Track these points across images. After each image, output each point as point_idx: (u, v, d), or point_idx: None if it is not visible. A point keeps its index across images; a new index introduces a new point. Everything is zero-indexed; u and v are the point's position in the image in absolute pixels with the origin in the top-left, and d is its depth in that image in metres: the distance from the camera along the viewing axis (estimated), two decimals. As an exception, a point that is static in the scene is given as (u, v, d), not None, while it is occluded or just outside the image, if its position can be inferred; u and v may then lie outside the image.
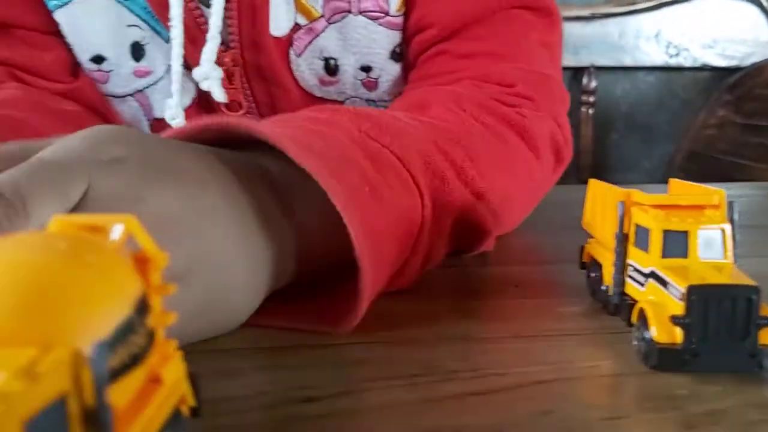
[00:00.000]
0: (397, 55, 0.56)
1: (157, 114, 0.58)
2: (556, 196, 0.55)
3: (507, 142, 0.47)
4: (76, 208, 0.29)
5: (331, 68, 0.56)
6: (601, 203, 0.38)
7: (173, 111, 0.53)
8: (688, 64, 1.53)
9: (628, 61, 1.51)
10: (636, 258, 0.33)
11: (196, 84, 0.54)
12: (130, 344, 0.18)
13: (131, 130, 0.33)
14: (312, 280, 0.37)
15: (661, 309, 0.30)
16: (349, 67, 0.56)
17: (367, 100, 0.57)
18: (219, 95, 0.53)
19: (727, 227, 0.32)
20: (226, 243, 0.32)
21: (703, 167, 1.50)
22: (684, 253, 0.32)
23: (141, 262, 0.20)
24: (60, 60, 0.56)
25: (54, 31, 0.56)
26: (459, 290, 0.42)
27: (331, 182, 0.32)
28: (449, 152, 0.42)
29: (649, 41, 1.51)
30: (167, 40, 0.54)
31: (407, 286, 0.39)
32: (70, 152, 0.30)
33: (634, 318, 0.32)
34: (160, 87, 0.57)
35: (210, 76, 0.52)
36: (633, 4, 1.50)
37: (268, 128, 0.34)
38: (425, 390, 0.29)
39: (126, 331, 0.17)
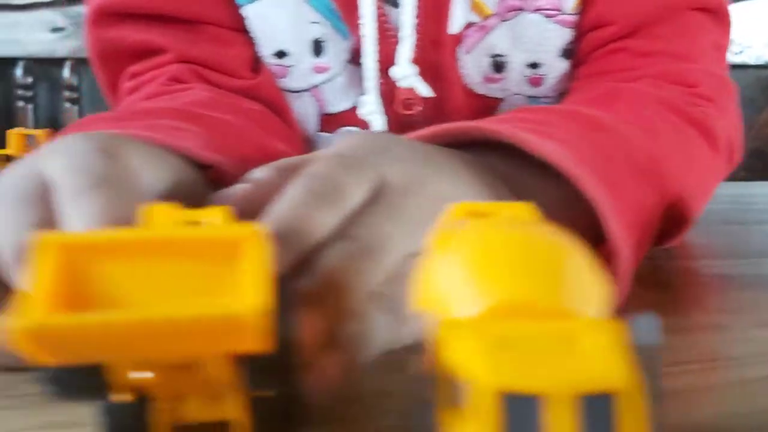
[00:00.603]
0: (566, 53, 0.57)
1: (330, 110, 0.60)
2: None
3: (692, 140, 0.49)
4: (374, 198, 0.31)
5: (499, 65, 0.57)
6: None
7: (370, 107, 0.55)
8: (751, 61, 1.54)
9: (692, 59, 1.52)
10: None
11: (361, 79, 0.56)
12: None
13: (385, 134, 0.36)
14: None
15: None
16: (516, 64, 0.57)
17: (529, 97, 0.59)
18: (425, 91, 0.55)
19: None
20: None
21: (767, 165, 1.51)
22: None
23: None
24: (243, 56, 0.58)
25: (239, 28, 0.57)
26: (663, 282, 0.44)
27: (593, 184, 0.34)
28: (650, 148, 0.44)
29: (714, 39, 1.52)
30: (346, 38, 0.56)
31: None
32: (358, 151, 0.32)
33: None
34: (335, 83, 0.58)
35: (409, 74, 0.54)
36: (698, 2, 1.50)
37: (509, 131, 0.37)
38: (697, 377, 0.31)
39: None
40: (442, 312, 0.18)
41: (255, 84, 0.57)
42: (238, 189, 0.34)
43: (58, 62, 1.50)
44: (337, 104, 0.59)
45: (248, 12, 0.57)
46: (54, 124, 1.53)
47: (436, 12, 0.55)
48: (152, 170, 0.33)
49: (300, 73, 0.59)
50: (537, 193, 0.35)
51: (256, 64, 0.59)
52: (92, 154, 0.30)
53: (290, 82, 0.59)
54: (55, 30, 1.49)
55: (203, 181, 0.38)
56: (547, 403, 0.14)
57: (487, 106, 0.59)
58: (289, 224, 0.28)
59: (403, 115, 0.57)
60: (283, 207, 0.29)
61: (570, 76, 0.58)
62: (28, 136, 0.71)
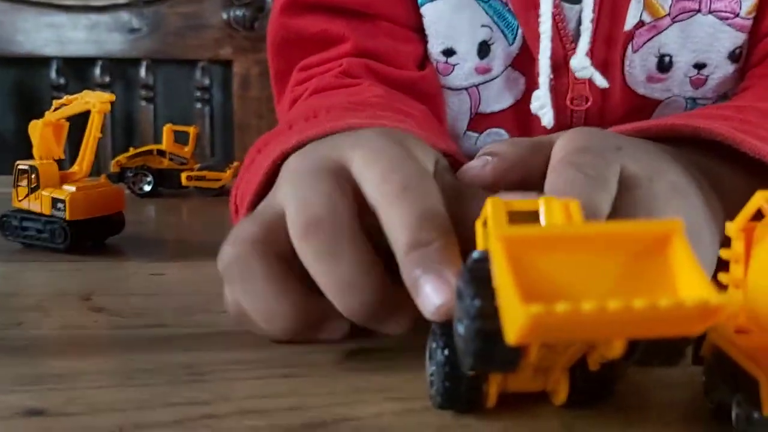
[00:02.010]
0: (734, 56, 0.60)
1: (483, 110, 0.62)
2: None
3: None
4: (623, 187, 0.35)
5: (664, 65, 0.60)
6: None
7: (542, 101, 0.58)
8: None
9: None
10: None
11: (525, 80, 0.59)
12: None
13: (605, 131, 0.39)
14: None
15: None
16: (683, 64, 0.59)
17: (688, 98, 0.61)
18: (601, 82, 0.57)
19: None
20: (698, 213, 0.37)
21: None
22: None
23: None
24: (414, 53, 0.61)
25: (412, 25, 0.61)
26: None
27: None
28: None
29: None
30: (511, 44, 0.59)
31: None
32: (597, 145, 0.36)
33: None
34: (492, 85, 0.61)
35: (587, 65, 0.57)
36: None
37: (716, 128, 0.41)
38: None
39: None
40: None
41: (421, 77, 0.61)
42: (487, 163, 0.37)
43: (135, 62, 1.53)
44: (491, 105, 0.62)
45: (427, 11, 0.60)
46: (129, 122, 1.56)
47: (615, 9, 0.58)
48: (425, 157, 0.36)
49: (463, 72, 0.61)
50: (736, 189, 0.39)
51: (423, 61, 0.63)
52: (391, 146, 0.35)
53: (452, 80, 0.62)
54: (132, 31, 1.52)
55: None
56: None
57: (645, 106, 0.61)
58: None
59: (569, 111, 0.60)
60: (567, 189, 0.32)
61: (733, 79, 0.61)
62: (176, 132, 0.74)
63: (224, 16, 1.51)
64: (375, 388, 0.30)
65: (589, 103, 0.59)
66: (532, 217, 0.27)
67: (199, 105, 1.55)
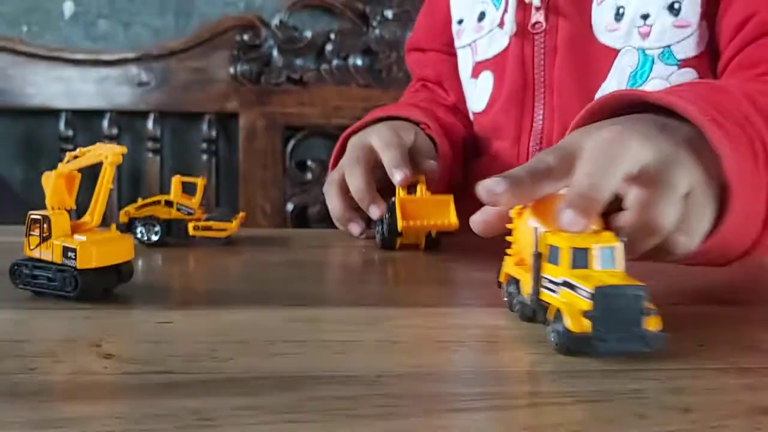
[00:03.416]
0: (674, 9, 0.73)
1: (478, 59, 0.90)
2: None
3: None
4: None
5: (619, 15, 0.76)
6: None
7: (509, 26, 0.84)
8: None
9: None
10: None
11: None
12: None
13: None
14: None
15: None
16: (632, 12, 0.75)
17: (638, 48, 0.76)
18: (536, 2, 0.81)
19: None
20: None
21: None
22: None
23: None
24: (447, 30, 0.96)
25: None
26: None
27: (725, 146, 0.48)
28: None
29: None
30: (498, 9, 0.86)
31: None
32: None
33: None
34: (484, 39, 0.88)
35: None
36: None
37: (674, 99, 0.51)
38: None
39: None
40: None
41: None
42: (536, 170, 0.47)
43: (143, 114, 1.56)
44: (484, 54, 0.89)
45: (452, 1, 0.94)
46: (136, 173, 1.58)
47: None
48: (408, 134, 0.79)
49: (467, 32, 0.92)
50: (681, 137, 0.49)
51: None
52: (389, 132, 0.78)
53: (463, 39, 0.93)
54: (141, 84, 1.55)
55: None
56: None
57: (607, 53, 0.78)
58: (592, 182, 0.44)
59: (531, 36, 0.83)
60: (585, 173, 0.45)
61: (672, 32, 0.73)
62: (185, 183, 0.75)
63: (231, 70, 1.54)
64: (379, 433, 0.31)
65: (543, 27, 0.81)
66: (414, 190, 0.74)
67: (205, 157, 1.58)
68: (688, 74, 0.75)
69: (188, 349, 0.41)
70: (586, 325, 0.39)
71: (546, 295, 0.43)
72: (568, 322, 0.39)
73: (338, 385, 0.36)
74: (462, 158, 0.89)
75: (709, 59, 0.75)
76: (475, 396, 0.35)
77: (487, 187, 0.45)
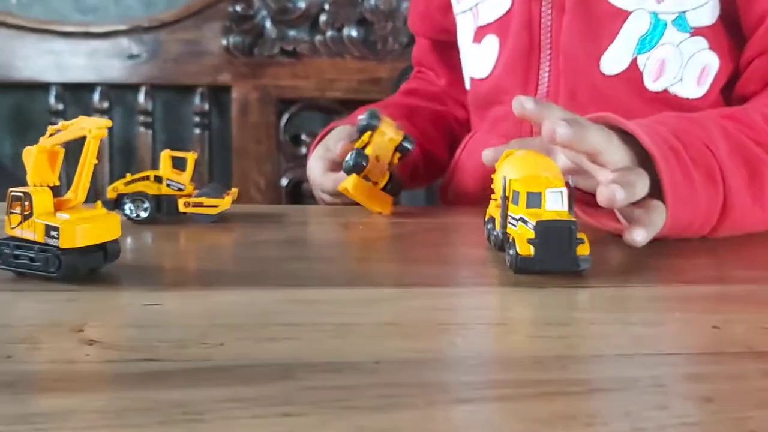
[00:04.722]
0: None
1: (479, 23, 0.87)
2: None
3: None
4: None
5: None
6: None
7: None
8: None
9: None
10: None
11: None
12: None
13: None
14: None
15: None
16: None
17: (651, 12, 0.73)
18: None
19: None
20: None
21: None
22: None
23: None
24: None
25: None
26: None
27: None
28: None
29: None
30: None
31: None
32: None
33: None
34: (485, 4, 0.86)
35: None
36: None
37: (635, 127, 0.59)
38: None
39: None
40: None
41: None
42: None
43: (134, 88, 1.53)
44: (486, 17, 0.86)
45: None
46: (128, 148, 1.55)
47: None
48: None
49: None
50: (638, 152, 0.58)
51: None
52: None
53: (462, 5, 0.90)
54: (131, 57, 1.52)
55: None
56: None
57: (617, 15, 0.75)
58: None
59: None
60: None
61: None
62: (174, 158, 0.73)
63: (223, 42, 1.50)
64: (376, 427, 0.28)
65: None
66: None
67: (197, 130, 1.55)
68: (699, 42, 0.72)
69: (176, 334, 0.39)
70: (531, 249, 0.49)
71: (510, 229, 0.53)
72: (518, 248, 0.49)
73: (334, 374, 0.33)
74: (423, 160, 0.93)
75: (724, 31, 0.72)
76: (480, 385, 0.33)
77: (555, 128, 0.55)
